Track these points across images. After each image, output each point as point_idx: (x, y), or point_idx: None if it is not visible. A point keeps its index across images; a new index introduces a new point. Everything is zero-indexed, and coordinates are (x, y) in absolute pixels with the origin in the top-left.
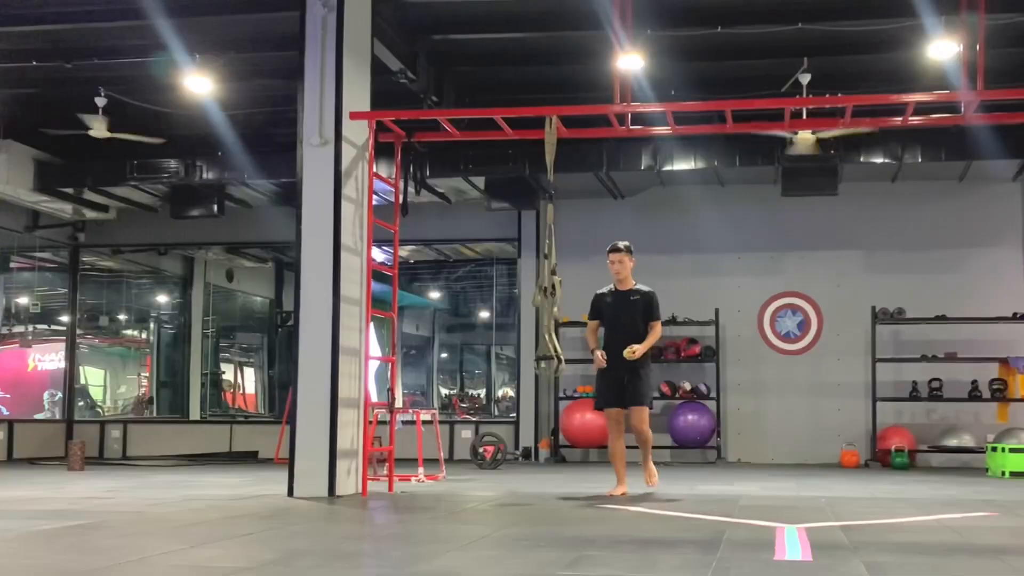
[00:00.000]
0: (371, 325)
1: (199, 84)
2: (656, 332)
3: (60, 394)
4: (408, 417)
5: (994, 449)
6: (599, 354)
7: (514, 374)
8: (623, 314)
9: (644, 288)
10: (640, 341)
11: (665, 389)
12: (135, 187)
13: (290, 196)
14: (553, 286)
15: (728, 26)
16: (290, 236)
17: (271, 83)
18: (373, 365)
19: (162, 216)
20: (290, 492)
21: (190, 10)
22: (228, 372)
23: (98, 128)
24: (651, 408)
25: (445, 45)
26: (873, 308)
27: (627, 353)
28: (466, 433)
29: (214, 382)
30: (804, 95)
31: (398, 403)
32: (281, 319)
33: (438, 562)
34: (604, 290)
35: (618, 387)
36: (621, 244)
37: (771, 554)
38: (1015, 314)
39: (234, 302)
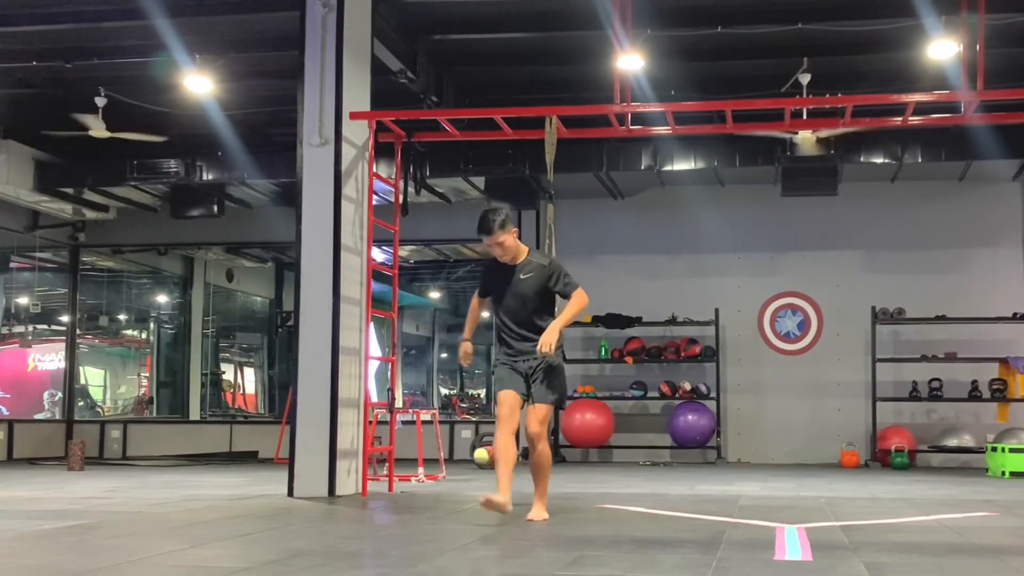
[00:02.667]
0: (371, 325)
1: (199, 84)
2: (577, 302)
3: (60, 394)
4: (408, 417)
5: (994, 449)
6: (467, 347)
7: None
8: (512, 295)
9: (541, 259)
10: (535, 326)
11: (665, 389)
12: (135, 187)
13: (290, 196)
14: None
15: (728, 26)
16: (290, 236)
17: (271, 83)
18: (373, 365)
19: (162, 216)
20: (290, 492)
21: (190, 10)
22: (228, 372)
23: (98, 128)
24: (560, 408)
25: (445, 45)
26: (873, 308)
27: (543, 349)
28: (466, 433)
29: (214, 382)
30: (804, 95)
31: (398, 403)
32: (281, 319)
33: (438, 562)
34: (494, 261)
35: (521, 374)
36: (492, 220)
37: (771, 554)
38: (1015, 314)
39: (234, 302)
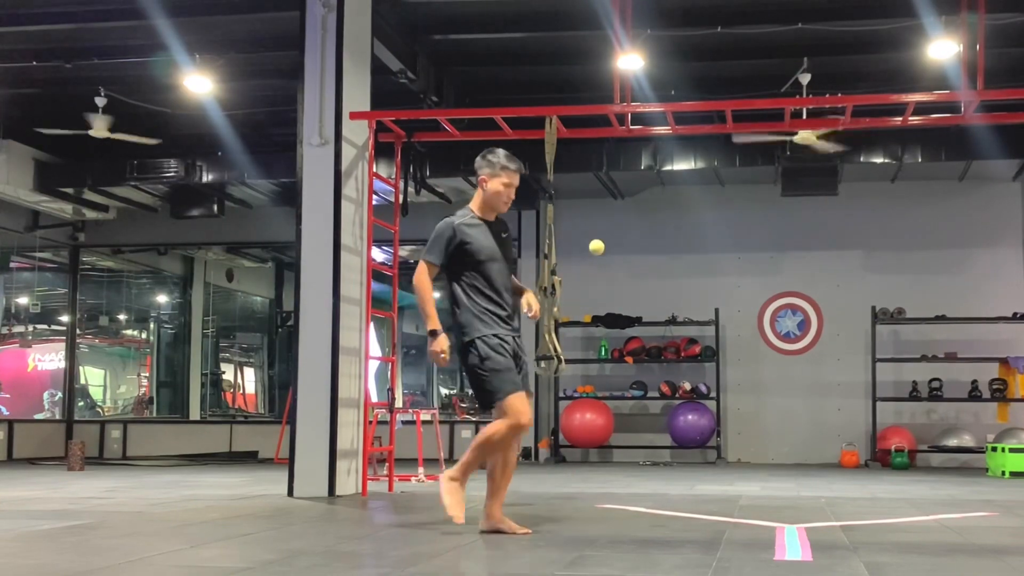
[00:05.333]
0: (371, 325)
1: (199, 84)
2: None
3: (60, 394)
4: (408, 417)
5: (994, 449)
6: (444, 342)
7: None
8: (502, 258)
9: (502, 217)
10: (513, 294)
11: (665, 389)
12: (135, 187)
13: (290, 196)
14: (553, 286)
15: (728, 26)
16: (290, 236)
17: (271, 83)
18: (373, 365)
19: (162, 216)
20: (290, 492)
21: (190, 10)
22: (228, 372)
23: (98, 128)
24: None
25: (445, 45)
26: (873, 308)
27: (531, 314)
28: (466, 433)
29: (214, 382)
30: (804, 95)
31: (398, 403)
32: (281, 319)
33: (438, 562)
34: (464, 219)
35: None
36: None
37: (771, 554)
38: (1015, 314)
39: (234, 302)
